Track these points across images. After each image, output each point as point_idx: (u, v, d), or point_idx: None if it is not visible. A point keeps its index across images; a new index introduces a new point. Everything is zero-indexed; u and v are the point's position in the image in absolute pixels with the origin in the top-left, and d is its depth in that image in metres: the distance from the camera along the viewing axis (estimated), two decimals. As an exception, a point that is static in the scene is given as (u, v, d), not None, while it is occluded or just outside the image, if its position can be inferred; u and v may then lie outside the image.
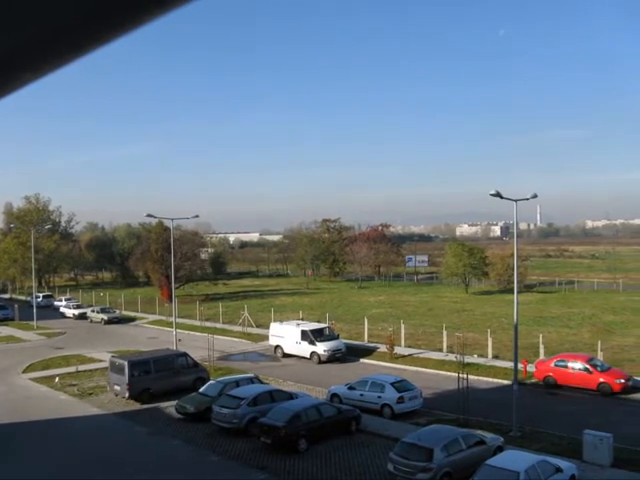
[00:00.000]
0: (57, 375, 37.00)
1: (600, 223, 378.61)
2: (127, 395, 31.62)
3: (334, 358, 40.94)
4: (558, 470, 19.55)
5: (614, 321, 55.83)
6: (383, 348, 42.46)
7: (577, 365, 32.71)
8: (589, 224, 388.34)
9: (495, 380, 34.93)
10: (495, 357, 39.93)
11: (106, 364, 35.73)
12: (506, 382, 32.79)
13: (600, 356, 36.16)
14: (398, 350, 41.98)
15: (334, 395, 30.34)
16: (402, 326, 45.71)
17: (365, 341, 46.62)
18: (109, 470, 22.88)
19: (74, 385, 35.22)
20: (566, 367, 32.90)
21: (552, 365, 33.50)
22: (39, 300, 69.84)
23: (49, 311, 68.73)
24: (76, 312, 65.46)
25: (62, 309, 67.91)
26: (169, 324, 50.66)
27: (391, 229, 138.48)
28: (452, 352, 40.08)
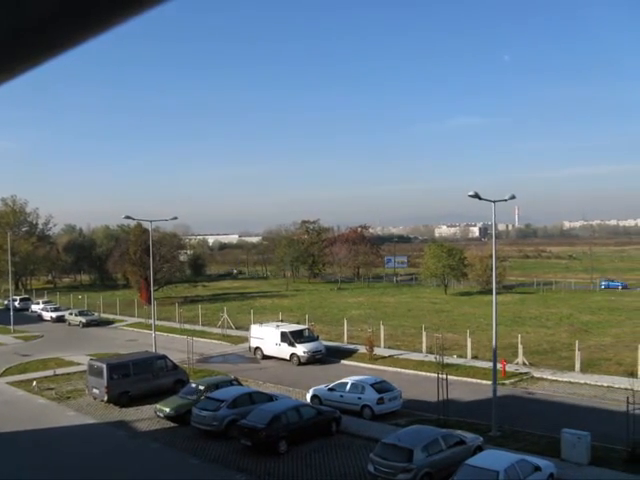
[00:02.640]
0: (35, 379, 36.53)
1: (577, 224, 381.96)
2: (106, 398, 31.33)
3: (314, 359, 40.93)
4: (537, 469, 19.73)
5: (591, 321, 56.50)
6: (363, 349, 42.52)
7: None
8: (566, 225, 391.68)
9: (474, 380, 35.16)
10: (474, 357, 40.18)
11: (84, 367, 35.35)
12: (485, 382, 32.95)
13: (577, 355, 36.57)
14: (378, 351, 42.08)
15: (314, 396, 30.29)
16: (382, 327, 45.83)
17: (345, 342, 46.66)
18: (88, 474, 22.64)
19: (52, 389, 34.84)
20: None
21: None
22: (16, 303, 68.90)
23: (26, 314, 67.91)
24: (54, 315, 64.77)
25: (40, 312, 67.14)
26: (148, 326, 50.39)
27: (370, 230, 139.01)
28: (432, 353, 40.29)
